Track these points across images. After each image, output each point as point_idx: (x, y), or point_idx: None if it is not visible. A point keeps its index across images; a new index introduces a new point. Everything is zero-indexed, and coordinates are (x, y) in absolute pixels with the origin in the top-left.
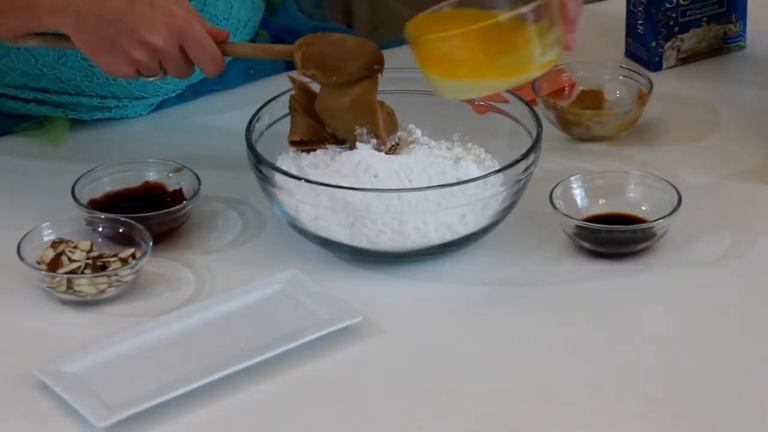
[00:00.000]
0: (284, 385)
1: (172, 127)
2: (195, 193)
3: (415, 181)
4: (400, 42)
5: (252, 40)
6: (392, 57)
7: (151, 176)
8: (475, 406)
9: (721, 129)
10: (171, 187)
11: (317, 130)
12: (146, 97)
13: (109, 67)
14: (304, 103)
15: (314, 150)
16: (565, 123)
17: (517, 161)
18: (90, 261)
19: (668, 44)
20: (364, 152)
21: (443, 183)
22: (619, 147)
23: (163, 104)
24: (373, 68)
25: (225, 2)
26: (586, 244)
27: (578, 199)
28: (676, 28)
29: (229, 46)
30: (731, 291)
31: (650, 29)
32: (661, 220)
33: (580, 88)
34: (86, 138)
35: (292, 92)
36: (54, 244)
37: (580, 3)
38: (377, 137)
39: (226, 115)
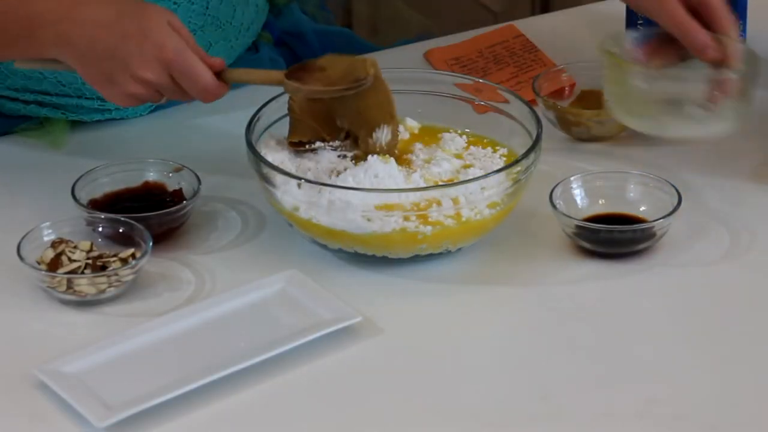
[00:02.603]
0: (284, 385)
1: (172, 127)
2: (195, 193)
3: (415, 181)
4: (401, 42)
5: (255, 43)
6: (393, 57)
7: (151, 176)
8: (475, 407)
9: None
10: (171, 187)
11: (316, 131)
12: None
13: (111, 99)
14: (303, 104)
15: (314, 151)
16: (565, 123)
17: (517, 161)
18: (90, 261)
19: None
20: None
21: (443, 183)
22: (619, 147)
23: (163, 104)
24: (363, 80)
25: (228, 5)
26: (586, 244)
27: (578, 199)
28: None
29: (227, 73)
30: (731, 291)
31: None
32: (661, 220)
33: (580, 88)
34: (86, 138)
35: None
36: (54, 244)
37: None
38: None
39: (226, 115)
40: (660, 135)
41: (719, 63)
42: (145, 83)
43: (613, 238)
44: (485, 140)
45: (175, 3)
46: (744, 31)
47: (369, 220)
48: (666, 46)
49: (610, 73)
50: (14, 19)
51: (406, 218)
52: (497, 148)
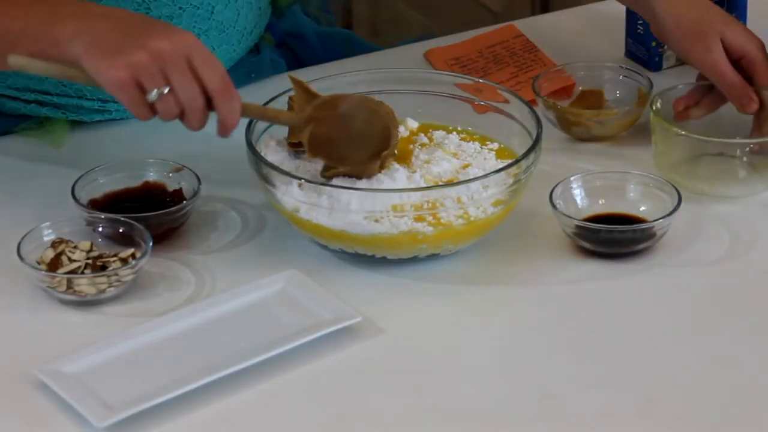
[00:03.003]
0: (284, 385)
1: (172, 127)
2: (195, 193)
3: (416, 182)
4: (401, 42)
5: (257, 45)
6: (394, 57)
7: (151, 176)
8: (475, 406)
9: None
10: (171, 187)
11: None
12: None
13: (105, 72)
14: (303, 105)
15: None
16: (565, 123)
17: (517, 161)
18: (90, 261)
19: None
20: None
21: (443, 183)
22: (619, 147)
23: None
24: (380, 155)
25: (232, 10)
26: (586, 244)
27: (578, 199)
28: None
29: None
30: (731, 291)
31: (650, 29)
32: (661, 220)
33: (580, 88)
34: (86, 138)
35: (292, 93)
36: (54, 244)
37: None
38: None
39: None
40: (705, 194)
41: (760, 115)
42: (156, 54)
43: (613, 238)
44: (475, 136)
45: (180, 8)
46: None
47: (377, 221)
48: (707, 96)
49: (657, 133)
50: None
51: (417, 218)
52: (486, 142)
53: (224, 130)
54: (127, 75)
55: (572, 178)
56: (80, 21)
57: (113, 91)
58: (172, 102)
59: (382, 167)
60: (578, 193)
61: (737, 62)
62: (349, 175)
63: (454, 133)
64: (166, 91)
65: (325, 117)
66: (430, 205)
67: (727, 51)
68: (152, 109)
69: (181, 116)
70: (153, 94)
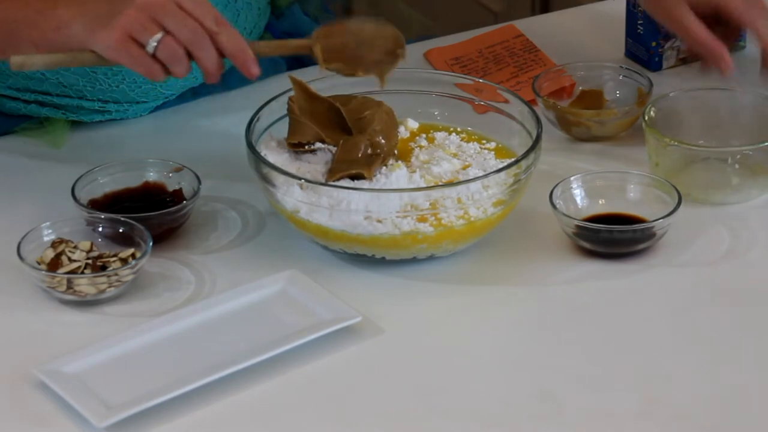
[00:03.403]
0: (284, 385)
1: (172, 128)
2: (195, 193)
3: (416, 182)
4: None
5: None
6: None
7: (151, 176)
8: (475, 406)
9: (721, 129)
10: (171, 187)
11: (316, 132)
12: (146, 102)
13: (102, 40)
14: (302, 105)
15: (313, 152)
16: (565, 123)
17: (517, 161)
18: (90, 261)
19: (668, 44)
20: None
21: (443, 183)
22: (619, 147)
23: (163, 105)
24: (396, 53)
25: (232, 11)
26: (586, 244)
27: (578, 199)
28: None
29: (252, 46)
30: (731, 291)
31: (650, 29)
32: (661, 220)
33: (580, 88)
34: (86, 138)
35: (292, 93)
36: (54, 244)
37: None
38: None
39: (226, 115)
40: (700, 201)
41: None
42: (144, 6)
43: (613, 238)
44: (474, 136)
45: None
46: (744, 31)
47: (379, 221)
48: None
49: (650, 143)
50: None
51: (420, 219)
52: (483, 142)
53: (241, 67)
54: (120, 34)
55: (572, 178)
56: (78, 4)
57: (115, 56)
58: (173, 44)
59: (383, 164)
60: (578, 193)
61: (714, 18)
62: (352, 177)
63: (454, 134)
64: (160, 36)
65: (335, 30)
66: (430, 205)
67: (697, 6)
68: (157, 61)
69: (189, 58)
70: (150, 45)
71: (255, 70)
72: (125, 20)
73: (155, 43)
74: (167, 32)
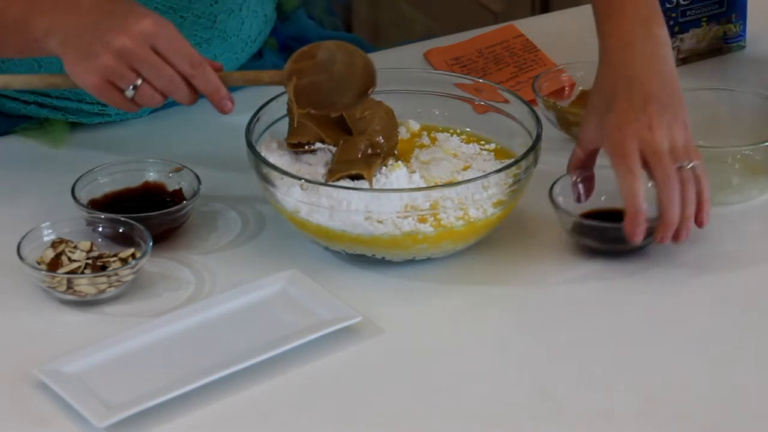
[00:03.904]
0: (284, 385)
1: (172, 127)
2: (195, 193)
3: (416, 182)
4: (402, 42)
5: (260, 49)
6: (394, 57)
7: (151, 176)
8: (475, 406)
9: (721, 129)
10: (171, 187)
11: (315, 133)
12: None
13: (81, 79)
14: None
15: (313, 152)
16: (565, 123)
17: (517, 161)
18: (90, 261)
19: None
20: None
21: (443, 183)
22: None
23: (163, 105)
24: (367, 93)
25: (236, 19)
26: (586, 241)
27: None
28: (676, 28)
29: (219, 76)
30: (731, 291)
31: None
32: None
33: (580, 88)
34: (86, 138)
35: None
36: (54, 244)
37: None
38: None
39: (226, 115)
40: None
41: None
42: (121, 54)
43: (613, 234)
44: (473, 137)
45: (182, 17)
46: (744, 31)
47: (380, 222)
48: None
49: None
50: (12, 7)
51: (420, 219)
52: (483, 143)
53: (216, 105)
54: (99, 80)
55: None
56: (50, 18)
57: (95, 95)
58: (150, 91)
59: (383, 164)
60: (579, 189)
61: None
62: (352, 178)
63: (455, 135)
64: (139, 83)
65: (306, 67)
66: (430, 205)
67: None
68: (135, 103)
69: (169, 96)
70: (129, 92)
71: (228, 108)
72: (103, 67)
73: (133, 90)
74: (144, 79)
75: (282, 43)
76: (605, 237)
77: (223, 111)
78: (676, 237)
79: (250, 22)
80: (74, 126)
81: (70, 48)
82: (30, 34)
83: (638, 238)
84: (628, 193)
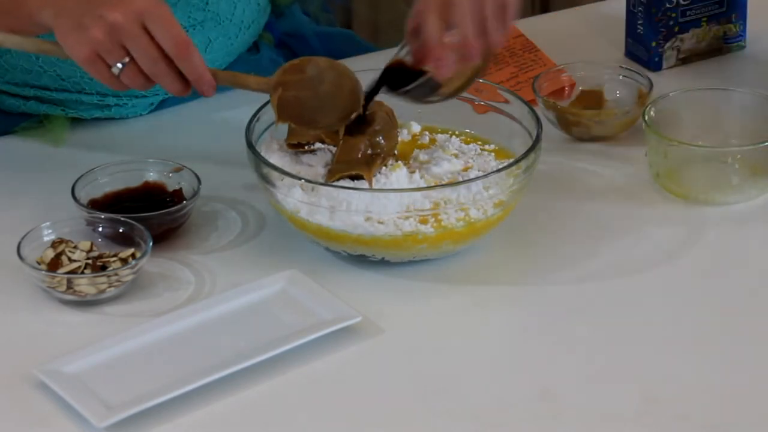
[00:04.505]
0: (284, 385)
1: (172, 127)
2: (195, 193)
3: (416, 182)
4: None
5: (256, 43)
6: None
7: (151, 176)
8: (475, 406)
9: (721, 129)
10: (171, 187)
11: (315, 133)
12: (146, 96)
13: (72, 50)
14: None
15: (313, 152)
16: (565, 123)
17: (517, 161)
18: (90, 261)
19: (668, 44)
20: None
21: (444, 183)
22: (619, 147)
23: (163, 104)
24: (349, 116)
25: (229, 2)
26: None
27: None
28: (676, 28)
29: (212, 72)
30: (731, 291)
31: (650, 29)
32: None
33: (580, 88)
34: (86, 138)
35: None
36: (54, 244)
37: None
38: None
39: (226, 115)
40: (700, 201)
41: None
42: (109, 26)
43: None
44: (472, 138)
45: None
46: (744, 31)
47: (381, 223)
48: None
49: (651, 142)
50: None
51: (422, 220)
52: (483, 144)
53: (199, 89)
54: (89, 52)
55: None
56: None
57: (83, 67)
58: (136, 71)
59: (383, 164)
60: None
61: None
62: (352, 178)
63: (454, 137)
64: (126, 61)
65: (293, 81)
66: (431, 206)
67: None
68: (121, 81)
69: (156, 82)
70: (116, 68)
71: (209, 93)
72: (94, 40)
73: (120, 67)
74: (131, 58)
75: (278, 39)
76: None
77: (205, 95)
78: (467, 55)
79: (243, 7)
80: (74, 125)
81: (62, 19)
82: (24, 8)
83: (444, 71)
84: (424, 27)
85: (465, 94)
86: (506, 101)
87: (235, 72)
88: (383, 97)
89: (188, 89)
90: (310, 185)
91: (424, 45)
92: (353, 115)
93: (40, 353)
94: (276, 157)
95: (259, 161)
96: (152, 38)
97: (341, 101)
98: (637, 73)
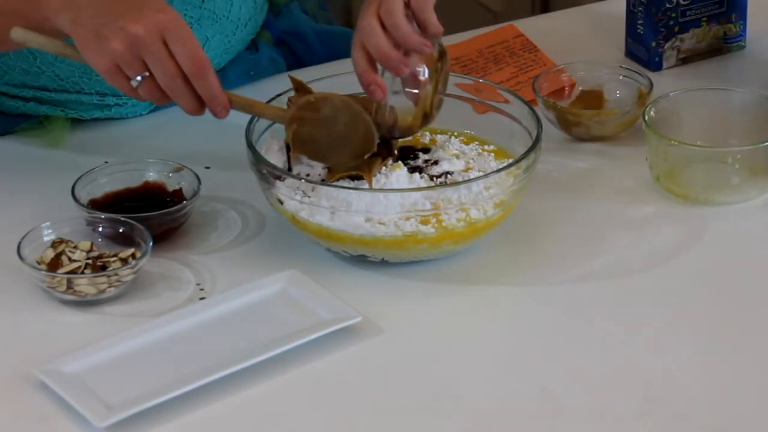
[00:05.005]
0: (284, 385)
1: (172, 127)
2: (195, 193)
3: (416, 182)
4: None
5: (254, 41)
6: None
7: (151, 176)
8: (475, 406)
9: (721, 129)
10: (171, 187)
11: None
12: None
13: (91, 60)
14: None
15: None
16: (565, 123)
17: (517, 161)
18: (90, 261)
19: (668, 44)
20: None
21: (443, 183)
22: (619, 147)
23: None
24: (362, 156)
25: (225, 0)
26: None
27: None
28: (676, 28)
29: (228, 95)
30: (731, 291)
31: (650, 29)
32: None
33: (580, 88)
34: (86, 138)
35: (291, 93)
36: (54, 244)
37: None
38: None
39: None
40: (700, 201)
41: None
42: (130, 39)
43: None
44: (472, 138)
45: None
46: (744, 31)
47: (382, 223)
48: None
49: (651, 142)
50: None
51: (424, 221)
52: (483, 145)
53: (212, 109)
54: (109, 64)
55: None
56: None
57: (103, 78)
58: (153, 86)
59: (383, 164)
60: None
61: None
62: (352, 178)
63: (454, 137)
64: (145, 75)
65: (309, 117)
66: (432, 206)
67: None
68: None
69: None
70: (134, 81)
71: (222, 115)
72: (114, 51)
73: (139, 80)
74: (150, 73)
75: (277, 38)
76: None
77: (217, 116)
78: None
79: (240, 4)
80: (74, 126)
81: (81, 28)
82: (41, 11)
83: (377, 94)
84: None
85: (465, 94)
86: (506, 101)
87: (251, 99)
88: None
89: (203, 109)
90: (311, 185)
91: (358, 77)
92: (367, 156)
93: (40, 353)
94: (276, 157)
95: (259, 161)
96: (171, 54)
97: (354, 142)
98: (637, 73)
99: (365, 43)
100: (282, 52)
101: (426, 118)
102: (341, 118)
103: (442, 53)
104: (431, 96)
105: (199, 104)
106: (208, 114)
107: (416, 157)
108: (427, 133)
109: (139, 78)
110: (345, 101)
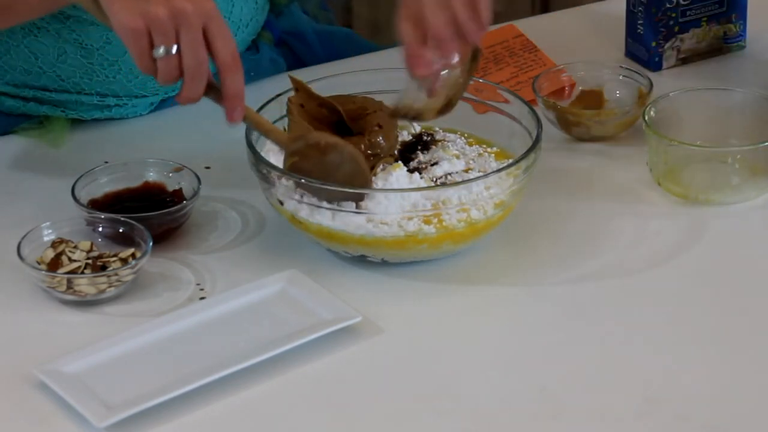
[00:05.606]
0: (284, 385)
1: (172, 127)
2: (195, 193)
3: (416, 182)
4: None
5: (255, 42)
6: (393, 57)
7: (151, 176)
8: (475, 406)
9: (721, 129)
10: (171, 187)
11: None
12: (146, 96)
13: (119, 13)
14: (302, 105)
15: None
16: (565, 123)
17: (517, 161)
18: (90, 261)
19: (668, 44)
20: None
21: (443, 183)
22: (619, 147)
23: (163, 104)
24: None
25: (227, 1)
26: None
27: None
28: (676, 28)
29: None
30: (731, 291)
31: (650, 29)
32: None
33: (580, 88)
34: (86, 138)
35: (291, 93)
36: (54, 244)
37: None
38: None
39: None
40: (700, 201)
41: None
42: (176, 12)
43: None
44: (472, 139)
45: None
46: (744, 31)
47: (384, 223)
48: None
49: (651, 142)
50: None
51: (426, 221)
52: (483, 145)
53: (228, 110)
54: (141, 24)
55: None
56: None
57: (122, 36)
58: (175, 64)
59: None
60: None
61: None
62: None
63: (454, 137)
64: (173, 51)
65: (312, 156)
66: (432, 206)
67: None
68: (155, 65)
69: (181, 80)
70: (160, 51)
71: (237, 118)
72: (153, 15)
73: (162, 52)
74: (178, 50)
75: (277, 38)
76: None
77: (231, 119)
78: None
79: (240, 5)
80: (74, 125)
81: None
82: None
83: (419, 69)
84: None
85: (465, 94)
86: (506, 101)
87: (261, 117)
88: (384, 97)
89: (198, 99)
90: (309, 184)
91: (404, 51)
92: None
93: (40, 353)
94: (276, 156)
95: (259, 161)
96: (209, 41)
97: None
98: (637, 73)
99: (426, 15)
100: (282, 52)
101: (448, 105)
102: (344, 168)
103: (476, 52)
104: (461, 86)
105: (198, 98)
106: (207, 114)
107: (416, 156)
108: (426, 134)
109: (163, 49)
110: (353, 154)
